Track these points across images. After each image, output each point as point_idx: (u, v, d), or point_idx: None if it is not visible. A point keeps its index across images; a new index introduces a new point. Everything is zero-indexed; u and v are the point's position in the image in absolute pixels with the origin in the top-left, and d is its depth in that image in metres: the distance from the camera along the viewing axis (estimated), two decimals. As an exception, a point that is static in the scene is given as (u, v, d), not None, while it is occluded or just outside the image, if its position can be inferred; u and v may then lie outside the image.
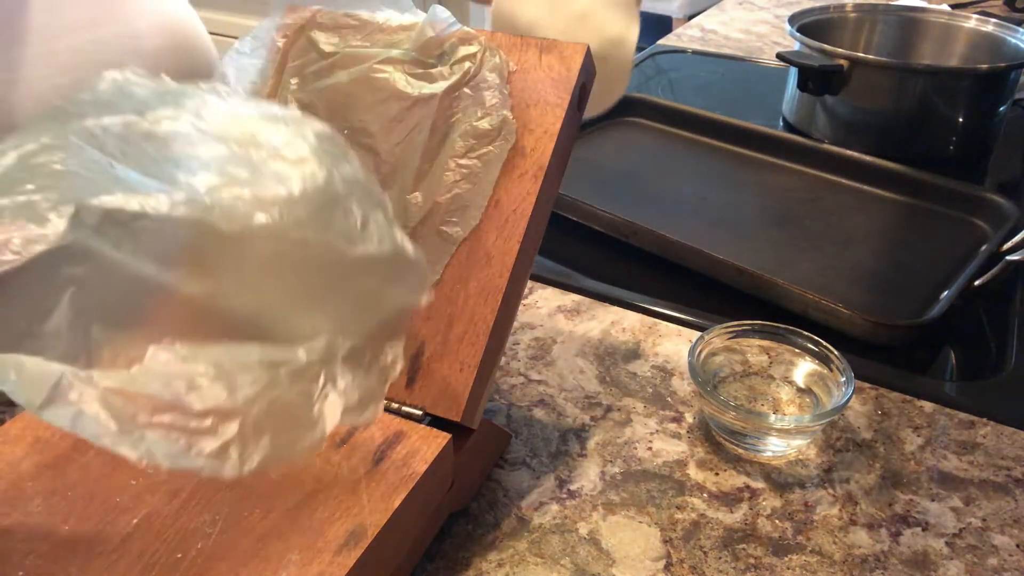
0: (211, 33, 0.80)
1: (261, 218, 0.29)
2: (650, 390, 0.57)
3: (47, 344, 0.28)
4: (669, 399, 0.56)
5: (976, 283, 0.66)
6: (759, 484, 0.50)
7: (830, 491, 0.49)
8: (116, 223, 0.28)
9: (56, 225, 0.27)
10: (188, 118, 0.32)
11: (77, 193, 0.28)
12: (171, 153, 0.30)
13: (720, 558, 0.45)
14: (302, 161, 0.31)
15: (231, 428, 0.30)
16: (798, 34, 0.96)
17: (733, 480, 0.50)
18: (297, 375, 0.31)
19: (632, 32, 0.66)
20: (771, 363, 0.56)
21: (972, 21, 1.00)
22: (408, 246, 0.34)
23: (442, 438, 0.41)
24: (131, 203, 0.28)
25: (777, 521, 0.47)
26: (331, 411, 0.32)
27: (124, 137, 0.30)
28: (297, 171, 0.31)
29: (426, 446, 0.40)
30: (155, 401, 0.29)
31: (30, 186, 0.28)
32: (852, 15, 1.07)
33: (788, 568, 0.44)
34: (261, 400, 0.30)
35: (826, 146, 0.90)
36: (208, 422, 0.29)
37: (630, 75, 0.67)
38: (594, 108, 0.64)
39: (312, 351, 0.31)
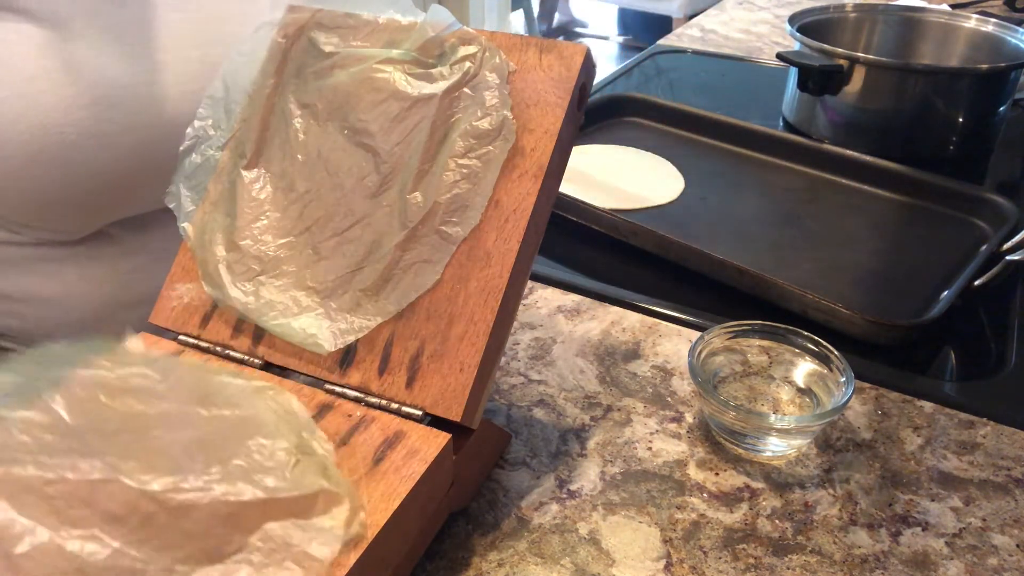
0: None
1: None
2: (650, 390, 0.57)
3: None
4: (669, 399, 0.56)
5: (976, 283, 0.66)
6: (759, 484, 0.50)
7: (830, 491, 0.49)
8: None
9: None
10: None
11: None
12: None
13: (720, 558, 0.45)
14: None
15: None
16: (798, 34, 0.96)
17: (733, 480, 0.50)
18: None
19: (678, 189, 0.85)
20: (771, 363, 0.56)
21: (972, 21, 1.00)
22: None
23: (442, 438, 0.41)
24: None
25: (777, 521, 0.47)
26: None
27: None
28: None
29: (426, 446, 0.40)
30: None
31: None
32: (852, 15, 1.07)
33: (788, 568, 0.44)
34: None
35: (826, 146, 0.90)
36: None
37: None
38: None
39: None
